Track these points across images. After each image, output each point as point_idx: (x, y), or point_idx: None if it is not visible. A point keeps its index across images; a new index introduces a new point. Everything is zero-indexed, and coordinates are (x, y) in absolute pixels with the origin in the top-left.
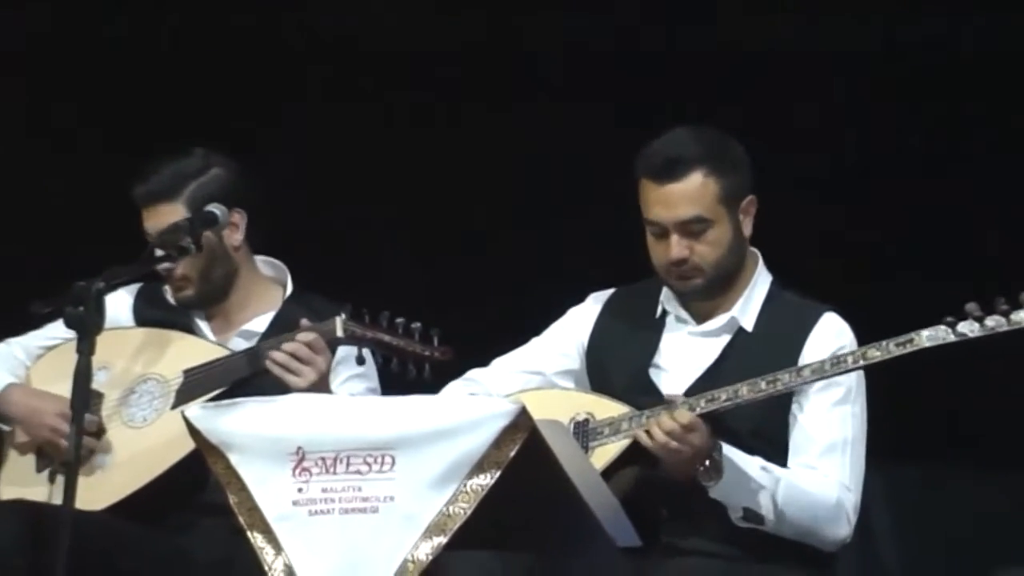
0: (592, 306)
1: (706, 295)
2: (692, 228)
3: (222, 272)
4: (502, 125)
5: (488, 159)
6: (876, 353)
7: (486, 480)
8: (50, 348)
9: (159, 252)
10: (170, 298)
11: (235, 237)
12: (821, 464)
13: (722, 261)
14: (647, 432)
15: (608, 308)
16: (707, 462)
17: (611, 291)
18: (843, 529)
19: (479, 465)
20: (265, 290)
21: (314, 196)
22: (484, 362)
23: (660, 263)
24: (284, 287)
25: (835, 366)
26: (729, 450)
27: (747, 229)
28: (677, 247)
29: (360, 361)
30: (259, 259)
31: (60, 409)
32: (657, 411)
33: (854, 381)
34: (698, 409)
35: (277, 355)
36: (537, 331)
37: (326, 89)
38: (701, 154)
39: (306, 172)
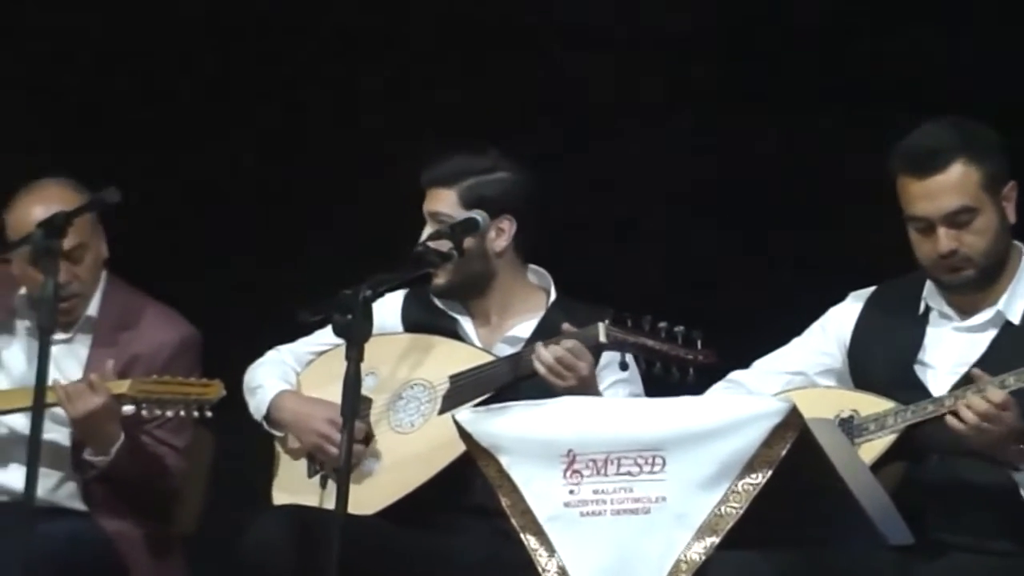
0: (853, 304)
1: (976, 286)
2: (958, 219)
3: (476, 272)
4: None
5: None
6: None
7: (758, 479)
8: (320, 353)
9: (426, 252)
10: (438, 301)
11: (498, 242)
12: None
13: (991, 249)
14: (954, 414)
15: (870, 306)
16: (1021, 444)
17: (871, 289)
18: None
19: (750, 464)
20: (530, 296)
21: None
22: (744, 364)
23: (927, 258)
24: (548, 294)
25: None
26: None
27: (1011, 215)
28: (945, 239)
29: (623, 367)
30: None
31: (330, 416)
32: (923, 404)
33: None
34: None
35: (545, 356)
36: (796, 332)
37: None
38: (959, 143)
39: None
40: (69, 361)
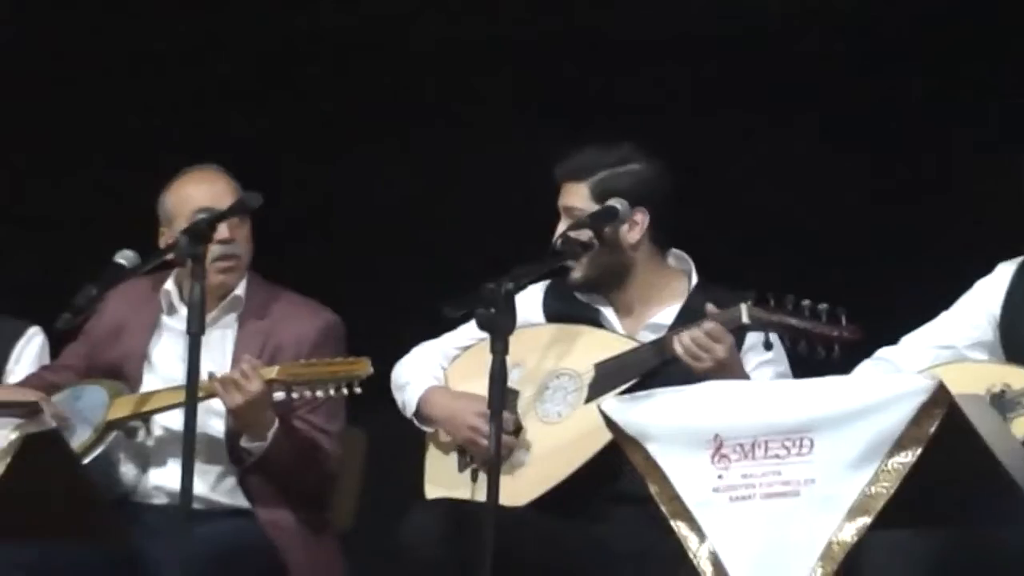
0: (1002, 275)
1: None
2: None
3: (611, 262)
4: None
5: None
6: None
7: (907, 458)
8: (465, 348)
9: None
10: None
11: (632, 234)
12: None
13: None
14: None
15: (1019, 275)
16: None
17: (1020, 259)
18: None
19: (899, 443)
20: (671, 282)
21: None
22: (892, 340)
23: None
24: (689, 278)
25: None
26: None
27: None
28: None
29: (767, 346)
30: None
31: (479, 409)
32: None
33: None
34: None
35: (684, 339)
36: (944, 306)
37: None
38: None
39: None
40: (216, 350)
